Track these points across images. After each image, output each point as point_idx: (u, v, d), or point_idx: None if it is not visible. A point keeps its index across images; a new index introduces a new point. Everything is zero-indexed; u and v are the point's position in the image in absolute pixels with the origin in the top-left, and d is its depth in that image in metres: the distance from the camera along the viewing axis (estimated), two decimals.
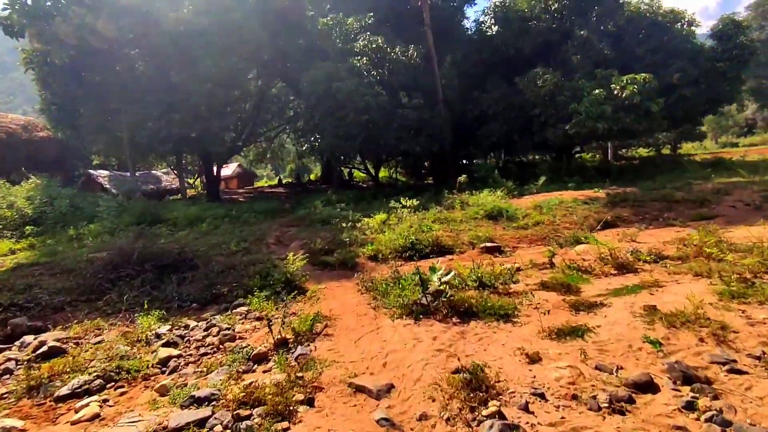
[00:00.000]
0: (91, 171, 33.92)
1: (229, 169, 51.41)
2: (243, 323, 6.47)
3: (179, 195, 32.89)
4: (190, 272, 9.26)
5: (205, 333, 6.05)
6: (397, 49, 23.27)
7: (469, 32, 29.13)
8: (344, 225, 12.65)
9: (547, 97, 21.14)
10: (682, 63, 21.23)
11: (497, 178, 19.75)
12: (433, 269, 6.33)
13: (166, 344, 5.65)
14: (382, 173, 43.92)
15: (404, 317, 5.81)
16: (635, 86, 18.59)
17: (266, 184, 48.19)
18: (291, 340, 5.47)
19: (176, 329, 6.25)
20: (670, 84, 20.38)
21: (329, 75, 21.39)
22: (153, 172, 39.40)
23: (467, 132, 27.31)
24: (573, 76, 21.09)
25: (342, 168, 30.54)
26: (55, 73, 19.62)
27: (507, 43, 24.73)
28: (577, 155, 32.97)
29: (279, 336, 5.39)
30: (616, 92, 19.19)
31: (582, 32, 21.55)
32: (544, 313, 5.49)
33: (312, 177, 47.46)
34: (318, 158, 27.40)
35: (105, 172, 34.26)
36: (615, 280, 6.99)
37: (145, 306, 6.91)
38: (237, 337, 5.87)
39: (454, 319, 5.69)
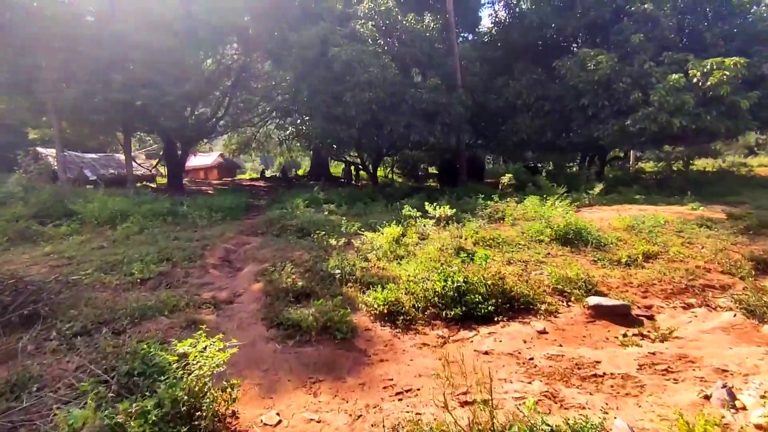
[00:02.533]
0: (40, 149, 28.34)
1: (208, 158, 46.13)
2: None
3: (152, 183, 27.74)
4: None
5: None
6: (410, 17, 18.55)
7: (495, 8, 24.45)
8: (333, 241, 7.85)
9: (600, 85, 16.62)
10: None
11: (543, 181, 15.14)
12: None
13: None
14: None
15: None
16: (724, 73, 14.13)
17: (248, 177, 43.11)
18: None
19: None
20: (761, 75, 16.00)
21: (324, 39, 16.60)
22: (117, 155, 33.77)
23: (487, 127, 22.72)
24: (633, 60, 16.60)
25: (346, 162, 25.56)
26: None
27: (544, 21, 20.17)
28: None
29: None
30: (695, 80, 14.71)
31: (645, 5, 17.07)
32: None
33: (300, 172, 42.50)
34: (305, 147, 22.45)
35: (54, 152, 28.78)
36: None
37: None
38: None
39: None
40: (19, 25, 14.16)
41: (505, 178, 13.68)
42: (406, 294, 5.63)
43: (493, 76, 22.22)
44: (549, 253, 7.68)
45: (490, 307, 5.26)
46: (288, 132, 19.12)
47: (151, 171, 27.13)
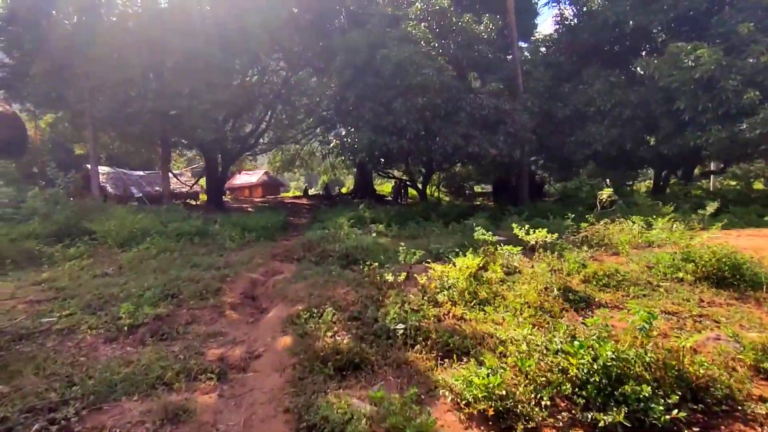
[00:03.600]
0: (89, 166, 28.76)
1: (253, 176, 46.10)
2: None
3: (194, 200, 27.28)
4: None
5: None
6: (467, 17, 16.70)
7: (560, 7, 22.09)
8: (388, 275, 5.79)
9: (701, 84, 13.84)
10: None
11: (642, 198, 12.48)
12: None
13: None
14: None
15: None
16: None
17: (291, 195, 42.45)
18: None
19: None
20: None
21: (372, 42, 15.04)
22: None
23: (550, 138, 20.20)
24: (742, 54, 13.75)
25: (396, 179, 23.78)
26: (4, 18, 14.25)
27: (620, 19, 17.68)
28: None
29: None
30: None
31: None
32: None
33: (343, 191, 41.27)
34: (349, 162, 20.71)
35: (105, 169, 28.99)
36: None
37: None
38: None
39: None
40: (61, 35, 13.63)
41: (604, 194, 11.15)
42: (513, 372, 3.47)
43: (558, 83, 19.86)
44: (702, 300, 5.25)
45: (673, 410, 2.98)
46: (332, 145, 17.55)
47: (191, 188, 26.56)
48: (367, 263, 6.44)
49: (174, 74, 13.73)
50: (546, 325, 4.39)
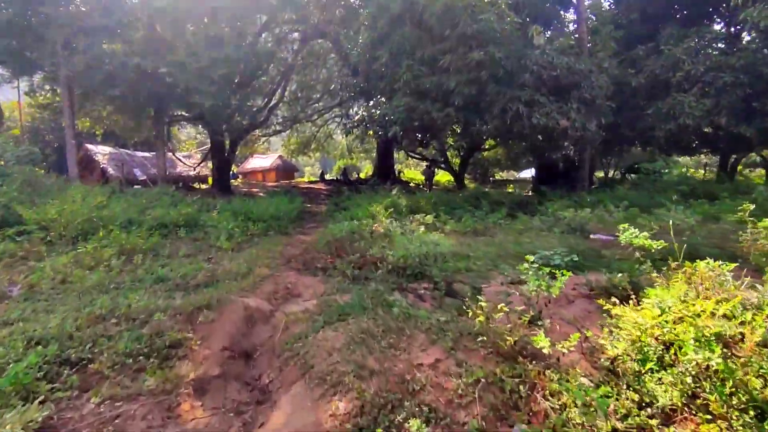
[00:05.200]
0: (90, 146, 26.06)
1: (266, 160, 43.41)
2: None
3: (203, 184, 24.62)
4: None
5: None
6: None
7: None
8: (541, 342, 2.79)
9: None
10: None
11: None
12: None
13: None
14: (444, 177, 33.55)
15: None
16: None
17: (306, 180, 39.69)
18: None
19: None
20: None
21: None
22: (170, 154, 31.08)
23: (621, 112, 16.78)
24: None
25: (428, 161, 20.70)
26: None
27: None
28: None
29: None
30: None
31: None
32: None
33: (362, 176, 38.27)
34: (378, 138, 17.13)
35: (107, 149, 26.32)
36: None
37: None
38: None
39: None
40: None
41: None
42: None
43: (630, 45, 16.41)
44: None
45: None
46: (357, 118, 14.49)
47: (194, 168, 23.84)
48: (464, 294, 3.46)
49: (165, 22, 10.80)
50: None
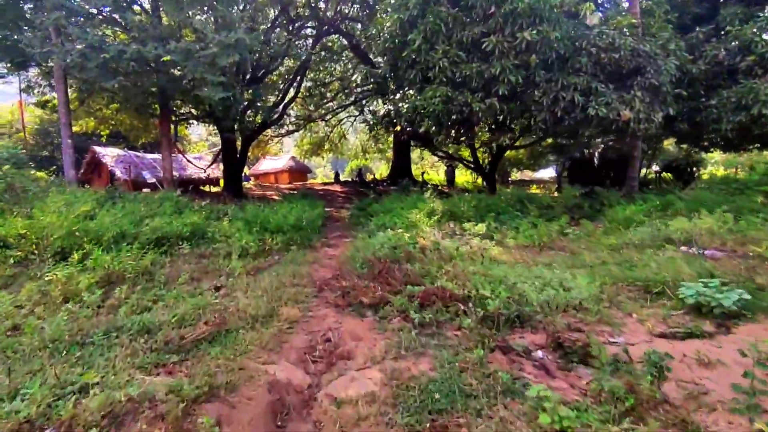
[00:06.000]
0: (97, 148, 24.87)
1: (278, 161, 42.17)
2: None
3: (203, 187, 23.34)
4: None
5: None
6: None
7: None
8: None
9: None
10: None
11: None
12: None
13: None
14: (462, 177, 31.88)
15: None
16: None
17: (320, 182, 38.34)
18: None
19: None
20: None
21: None
22: (181, 156, 29.81)
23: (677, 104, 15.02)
24: None
25: (451, 158, 19.13)
26: None
27: None
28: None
29: None
30: None
31: None
32: None
33: (378, 176, 36.77)
34: (403, 133, 15.05)
35: (116, 151, 25.08)
36: None
37: None
38: None
39: None
40: None
41: None
42: None
43: (685, 28, 14.68)
44: None
45: None
46: (381, 113, 13.01)
47: (207, 172, 22.56)
48: (596, 355, 1.95)
49: (169, 5, 9.44)
50: None
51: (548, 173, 44.87)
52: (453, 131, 12.31)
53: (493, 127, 12.24)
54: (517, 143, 14.99)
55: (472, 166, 17.69)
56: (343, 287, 4.56)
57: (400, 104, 12.43)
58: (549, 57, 9.87)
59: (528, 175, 40.20)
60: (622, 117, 10.16)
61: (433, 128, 11.54)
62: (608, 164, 20.36)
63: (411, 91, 12.29)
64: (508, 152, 23.71)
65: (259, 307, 3.80)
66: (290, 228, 7.50)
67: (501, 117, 10.65)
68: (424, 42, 10.51)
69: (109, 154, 23.87)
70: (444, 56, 10.22)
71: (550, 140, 18.50)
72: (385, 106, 12.81)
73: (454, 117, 10.42)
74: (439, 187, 20.93)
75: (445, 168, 27.76)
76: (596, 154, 21.20)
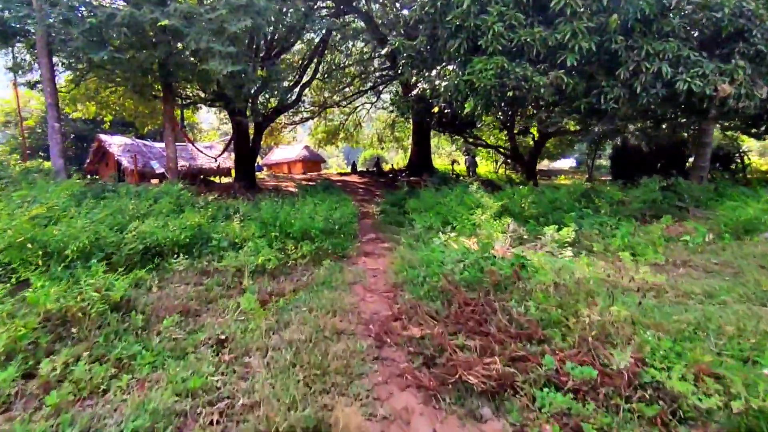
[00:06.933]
0: (103, 136, 23.38)
1: (292, 151, 40.53)
2: None
3: (219, 177, 21.86)
4: None
5: None
6: None
7: None
8: None
9: None
10: None
11: None
12: None
13: None
14: (483, 167, 30.09)
15: None
16: None
17: (336, 172, 36.66)
18: None
19: None
20: None
21: None
22: (191, 146, 28.16)
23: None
24: None
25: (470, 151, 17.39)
26: None
27: None
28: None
29: None
30: None
31: None
32: None
33: (396, 166, 34.92)
34: (435, 117, 12.83)
35: (122, 140, 23.57)
36: None
37: None
38: None
39: None
40: None
41: None
42: None
43: None
44: None
45: None
46: (415, 92, 11.19)
47: (218, 162, 21.04)
48: None
49: None
50: None
51: (567, 163, 42.28)
52: (500, 113, 10.48)
53: (551, 107, 10.35)
54: (571, 127, 13.03)
55: (509, 154, 15.80)
56: (416, 340, 2.87)
57: (437, 82, 10.59)
58: (629, 19, 7.96)
59: (544, 165, 37.86)
60: (720, 92, 8.23)
61: (479, 109, 9.69)
62: (659, 152, 18.25)
63: (450, 67, 10.42)
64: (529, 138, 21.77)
65: (288, 389, 2.13)
66: (319, 233, 5.82)
67: (565, 94, 8.78)
68: (473, 3, 8.64)
69: (116, 143, 22.42)
70: (499, 19, 8.36)
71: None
72: (420, 84, 10.95)
73: (510, 94, 8.58)
74: (462, 178, 19.11)
75: (464, 158, 25.76)
76: (643, 140, 19.04)
